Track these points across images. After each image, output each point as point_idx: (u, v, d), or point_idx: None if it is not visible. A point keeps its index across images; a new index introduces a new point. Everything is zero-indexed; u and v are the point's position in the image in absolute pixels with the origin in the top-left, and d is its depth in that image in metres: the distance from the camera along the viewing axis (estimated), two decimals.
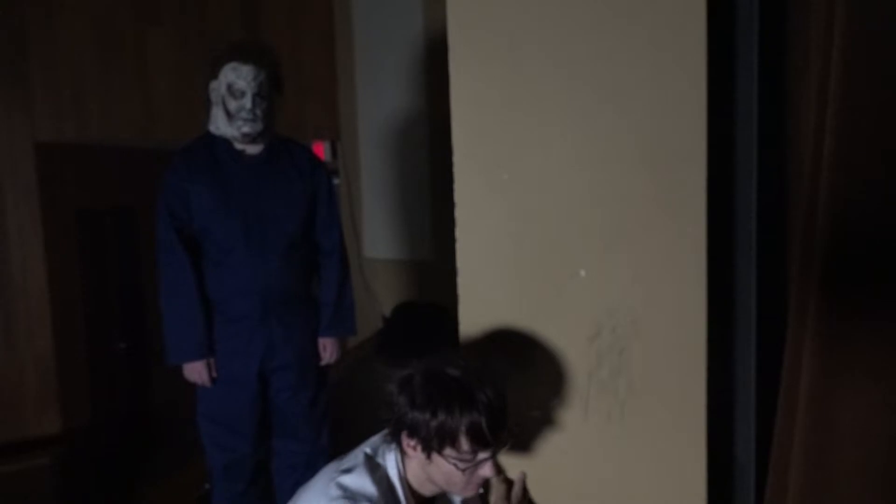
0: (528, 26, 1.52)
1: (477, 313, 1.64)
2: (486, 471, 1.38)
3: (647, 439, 1.60)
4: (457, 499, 1.55)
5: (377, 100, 3.47)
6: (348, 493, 1.37)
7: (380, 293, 3.70)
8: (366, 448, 1.49)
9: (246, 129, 2.34)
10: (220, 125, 2.39)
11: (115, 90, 3.18)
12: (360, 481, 1.40)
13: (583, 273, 1.57)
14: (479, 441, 1.35)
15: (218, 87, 2.38)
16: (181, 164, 2.38)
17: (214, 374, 2.41)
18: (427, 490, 1.46)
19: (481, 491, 1.52)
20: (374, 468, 1.44)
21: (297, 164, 2.48)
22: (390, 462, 1.44)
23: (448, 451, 1.35)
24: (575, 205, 1.55)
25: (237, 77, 2.34)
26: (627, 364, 1.59)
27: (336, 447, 2.42)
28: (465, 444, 1.34)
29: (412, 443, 1.38)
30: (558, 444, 1.62)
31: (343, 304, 2.55)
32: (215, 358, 2.41)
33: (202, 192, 2.35)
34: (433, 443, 1.35)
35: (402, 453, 1.44)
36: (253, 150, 2.42)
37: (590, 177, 1.55)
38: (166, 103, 3.26)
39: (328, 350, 2.54)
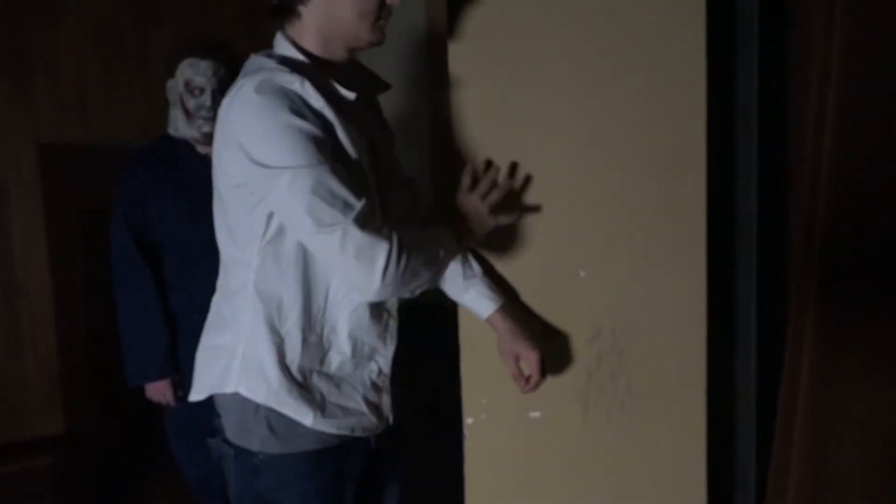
0: (527, 26, 1.52)
1: None
2: None
3: (647, 439, 1.60)
4: None
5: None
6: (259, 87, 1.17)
7: None
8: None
9: (207, 128, 2.16)
10: (178, 126, 2.25)
11: (117, 91, 3.18)
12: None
13: (583, 273, 1.57)
14: None
15: (175, 85, 2.24)
16: (138, 169, 2.24)
17: (180, 392, 2.26)
18: (332, 56, 1.31)
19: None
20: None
21: None
22: (292, 54, 1.28)
23: None
24: (575, 205, 1.55)
25: (195, 73, 2.20)
26: (627, 364, 1.59)
27: None
28: None
29: None
30: (558, 444, 1.62)
31: None
32: (180, 374, 2.26)
33: (164, 199, 2.20)
34: None
35: (292, 30, 1.29)
36: None
37: (590, 177, 1.55)
38: (168, 104, 3.26)
39: None
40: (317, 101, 1.20)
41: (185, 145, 2.27)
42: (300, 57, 1.27)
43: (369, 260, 1.18)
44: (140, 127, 3.22)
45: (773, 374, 1.62)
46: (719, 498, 1.68)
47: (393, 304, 1.41)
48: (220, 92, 2.19)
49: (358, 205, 1.18)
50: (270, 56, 1.27)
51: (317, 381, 1.31)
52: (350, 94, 1.28)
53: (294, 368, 1.30)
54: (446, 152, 1.63)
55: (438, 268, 1.32)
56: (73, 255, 3.22)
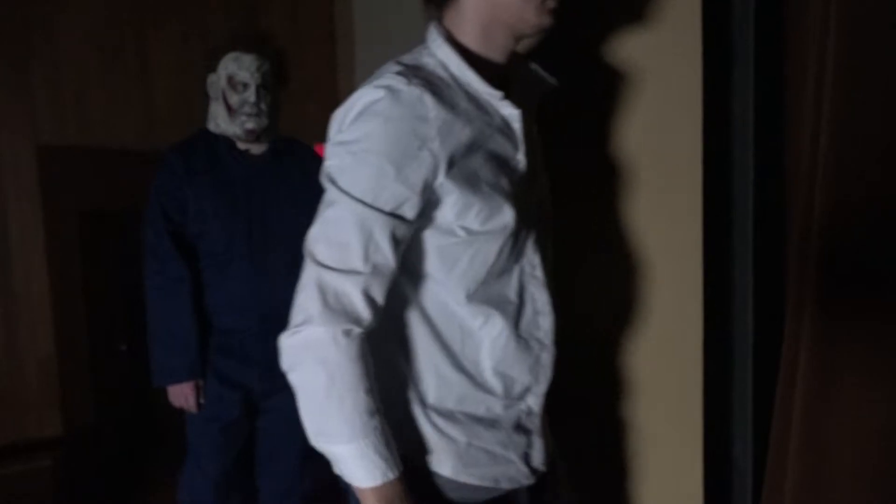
0: None
1: None
2: None
3: (645, 439, 1.60)
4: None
5: None
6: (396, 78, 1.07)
7: None
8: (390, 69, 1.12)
9: (250, 124, 2.11)
10: (220, 122, 2.18)
11: (116, 92, 3.19)
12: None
13: (582, 273, 1.57)
14: None
15: (217, 80, 2.17)
16: (178, 163, 2.15)
17: (202, 400, 2.17)
18: (495, 48, 1.17)
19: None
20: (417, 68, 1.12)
21: (302, 166, 2.20)
22: (437, 46, 1.16)
23: None
24: (574, 205, 1.55)
25: (239, 68, 2.13)
26: (627, 364, 1.59)
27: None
28: None
29: None
30: (557, 445, 1.62)
31: None
32: (204, 378, 2.17)
33: (202, 195, 2.13)
34: None
35: (448, 19, 1.18)
36: (257, 149, 2.20)
37: (588, 177, 1.55)
38: (167, 105, 3.27)
39: None
40: (436, 113, 1.05)
41: (225, 140, 2.21)
42: (443, 55, 1.15)
43: (297, 310, 1.04)
44: (140, 128, 3.23)
45: (770, 374, 1.61)
46: (716, 499, 1.68)
47: (546, 334, 1.23)
48: (264, 87, 2.14)
49: (355, 265, 1.03)
50: (399, 62, 1.15)
51: (460, 424, 1.12)
52: (496, 93, 1.13)
53: (430, 410, 1.12)
54: None
55: (324, 411, 1.03)
56: (71, 256, 3.23)
